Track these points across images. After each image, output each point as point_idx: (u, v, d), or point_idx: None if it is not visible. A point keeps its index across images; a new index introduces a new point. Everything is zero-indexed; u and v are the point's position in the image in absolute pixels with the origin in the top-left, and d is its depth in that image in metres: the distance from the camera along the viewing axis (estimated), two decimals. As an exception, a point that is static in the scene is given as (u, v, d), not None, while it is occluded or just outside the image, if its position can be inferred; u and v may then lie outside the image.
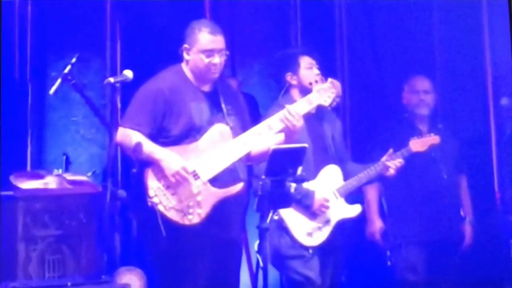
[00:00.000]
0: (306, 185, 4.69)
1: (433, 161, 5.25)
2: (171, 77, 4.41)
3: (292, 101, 4.71)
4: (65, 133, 6.16)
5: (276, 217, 4.25)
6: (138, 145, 4.22)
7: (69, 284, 4.40)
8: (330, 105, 4.60)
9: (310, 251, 4.73)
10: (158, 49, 5.96)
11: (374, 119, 5.95)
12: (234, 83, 5.79)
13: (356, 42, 6.54)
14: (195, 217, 4.21)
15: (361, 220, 5.17)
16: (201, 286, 4.31)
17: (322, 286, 4.76)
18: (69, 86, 4.88)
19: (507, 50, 5.54)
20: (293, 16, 6.55)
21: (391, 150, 4.90)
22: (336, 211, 4.82)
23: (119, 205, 4.68)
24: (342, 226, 4.87)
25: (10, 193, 4.87)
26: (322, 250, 4.77)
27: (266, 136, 4.36)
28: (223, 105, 4.41)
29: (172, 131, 4.30)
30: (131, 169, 4.40)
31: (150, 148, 4.24)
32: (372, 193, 5.33)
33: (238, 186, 4.32)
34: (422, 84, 5.44)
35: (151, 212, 4.20)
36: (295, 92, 4.91)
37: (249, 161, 4.48)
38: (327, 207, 4.79)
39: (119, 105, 4.38)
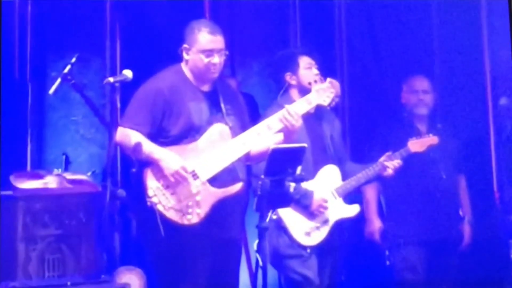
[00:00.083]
0: (304, 185, 4.70)
1: (432, 161, 5.25)
2: (170, 77, 4.41)
3: (291, 101, 4.72)
4: (65, 132, 6.17)
5: (274, 217, 4.25)
6: (138, 145, 4.22)
7: (68, 283, 4.40)
8: (329, 105, 4.61)
9: (308, 250, 4.74)
10: (158, 49, 5.97)
11: (373, 119, 5.96)
12: (234, 83, 5.80)
13: (355, 42, 6.54)
14: (194, 217, 4.22)
15: (360, 219, 5.18)
16: (201, 285, 4.31)
17: (320, 285, 4.77)
18: (69, 86, 4.89)
19: (506, 50, 5.55)
20: (293, 16, 6.55)
21: (389, 152, 4.92)
22: (334, 211, 4.83)
23: (119, 204, 4.68)
24: (341, 226, 4.88)
25: (10, 192, 4.88)
26: (320, 249, 4.78)
27: (265, 136, 4.36)
28: (222, 105, 4.41)
29: (172, 131, 4.31)
30: (130, 169, 4.41)
31: (150, 148, 4.25)
32: (371, 193, 5.34)
33: (237, 186, 4.33)
34: (421, 84, 5.45)
35: (151, 212, 4.21)
36: (294, 92, 4.91)
37: (248, 160, 4.49)
38: (325, 208, 4.80)
39: (118, 105, 4.38)
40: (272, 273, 4.14)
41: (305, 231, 4.76)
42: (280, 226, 4.72)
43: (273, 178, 4.06)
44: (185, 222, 4.21)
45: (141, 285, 4.78)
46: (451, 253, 5.34)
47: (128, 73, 4.32)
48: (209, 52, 4.35)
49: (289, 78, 4.93)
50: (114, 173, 5.41)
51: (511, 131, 5.77)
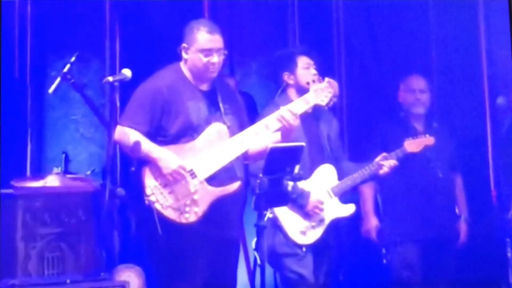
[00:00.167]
0: (301, 184, 4.71)
1: (428, 160, 5.26)
2: (169, 76, 4.42)
3: (289, 100, 4.73)
4: (64, 132, 6.18)
5: (270, 215, 4.26)
6: (136, 144, 4.24)
7: (68, 281, 4.40)
8: (327, 104, 4.62)
9: (304, 249, 4.75)
10: (157, 48, 5.97)
11: (371, 119, 5.97)
12: (232, 82, 5.80)
13: (353, 42, 6.56)
14: (191, 216, 4.23)
15: (357, 218, 5.19)
16: (199, 283, 4.32)
17: (315, 284, 4.77)
18: (68, 85, 4.89)
19: (503, 49, 5.57)
20: (291, 16, 6.56)
21: (385, 153, 4.94)
22: (330, 210, 4.83)
23: (118, 203, 4.69)
24: (336, 225, 4.89)
25: (10, 191, 4.89)
26: (316, 248, 4.79)
27: (263, 135, 4.38)
28: (220, 104, 4.42)
29: (170, 129, 4.32)
30: (130, 168, 4.42)
31: (148, 146, 4.26)
32: (367, 191, 5.35)
33: (235, 185, 4.35)
34: (418, 83, 5.46)
35: (149, 211, 4.23)
36: (292, 92, 4.93)
37: (246, 159, 4.50)
38: (321, 210, 4.80)
39: (118, 104, 4.39)
40: (268, 271, 4.16)
41: (300, 230, 4.76)
42: (276, 225, 4.73)
43: (272, 177, 4.06)
44: (183, 220, 4.22)
45: (140, 283, 4.79)
46: (447, 251, 5.35)
47: (127, 72, 4.33)
48: (208, 52, 4.36)
49: (287, 77, 4.95)
50: (114, 171, 5.41)
51: (508, 130, 5.77)
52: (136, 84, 4.42)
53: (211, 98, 4.44)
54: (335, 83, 4.67)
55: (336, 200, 4.87)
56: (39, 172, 5.83)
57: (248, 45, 6.53)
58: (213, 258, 4.34)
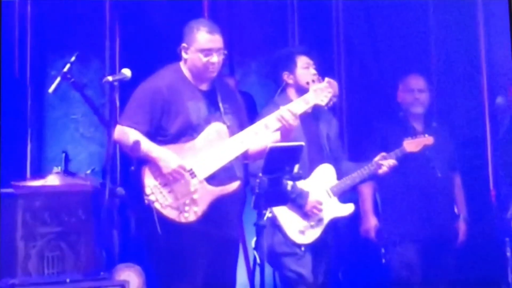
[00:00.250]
0: (300, 184, 4.71)
1: (427, 160, 5.26)
2: (169, 76, 4.42)
3: (288, 100, 4.73)
4: (64, 131, 6.19)
5: (269, 215, 4.26)
6: (136, 144, 4.23)
7: (68, 280, 4.42)
8: (326, 104, 4.61)
9: (303, 248, 4.75)
10: (157, 48, 5.98)
11: (370, 118, 5.97)
12: (232, 82, 5.81)
13: (353, 41, 6.57)
14: (191, 215, 4.23)
15: (356, 217, 5.20)
16: (199, 283, 4.32)
17: (314, 283, 4.77)
18: (68, 85, 4.90)
19: (503, 49, 5.58)
20: (291, 15, 6.57)
21: (384, 153, 4.94)
22: (329, 210, 4.83)
23: (118, 202, 4.71)
24: (335, 225, 4.89)
25: (10, 190, 4.90)
26: (315, 248, 4.79)
27: (263, 134, 4.38)
28: (220, 104, 4.42)
29: (170, 129, 4.32)
30: (129, 167, 4.43)
31: (148, 146, 4.26)
32: (366, 191, 5.35)
33: (235, 184, 4.34)
34: (417, 82, 5.46)
35: (149, 210, 4.23)
36: (291, 92, 4.93)
37: (246, 159, 4.50)
38: (319, 210, 4.80)
39: (117, 103, 4.39)
40: (267, 270, 4.16)
41: (299, 229, 4.76)
42: (274, 224, 4.73)
43: (271, 176, 4.06)
44: (182, 220, 4.22)
45: (140, 282, 4.81)
46: (446, 251, 5.34)
47: (126, 72, 4.33)
48: (207, 51, 4.36)
49: (286, 77, 4.95)
50: (113, 171, 5.44)
51: (507, 129, 5.78)
52: (136, 83, 4.42)
53: (210, 97, 4.44)
54: (334, 83, 4.67)
55: (335, 199, 4.87)
56: (39, 171, 5.84)
57: (248, 45, 6.53)
58: (212, 257, 4.34)
